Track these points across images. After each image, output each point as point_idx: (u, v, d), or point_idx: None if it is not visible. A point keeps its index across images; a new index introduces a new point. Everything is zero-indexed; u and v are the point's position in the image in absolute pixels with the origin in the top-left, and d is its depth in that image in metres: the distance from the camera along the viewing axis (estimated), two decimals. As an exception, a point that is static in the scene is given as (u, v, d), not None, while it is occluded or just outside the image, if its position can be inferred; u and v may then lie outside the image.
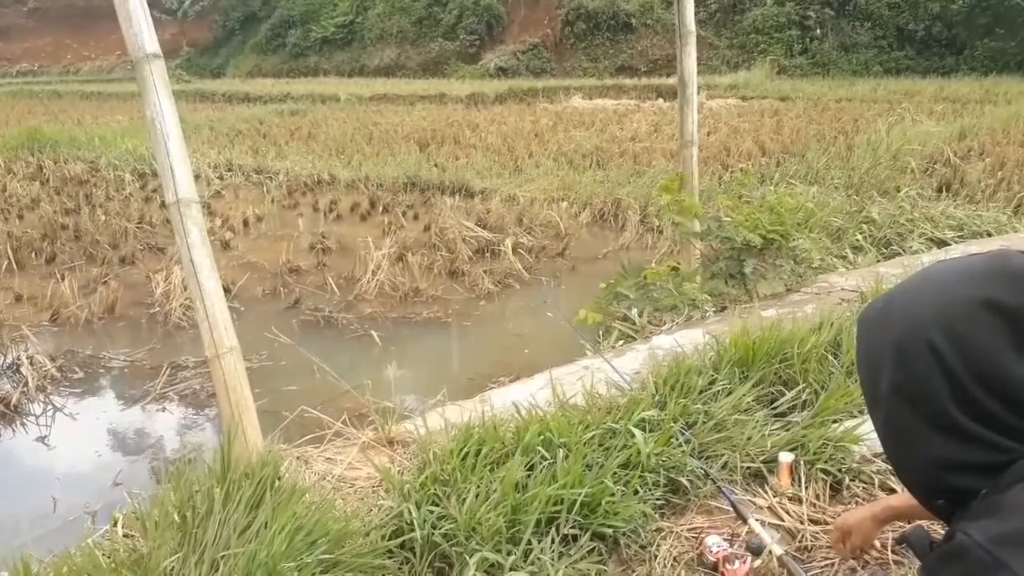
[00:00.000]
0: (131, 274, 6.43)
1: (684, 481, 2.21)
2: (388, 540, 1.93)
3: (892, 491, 2.26)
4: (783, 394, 2.68)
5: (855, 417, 2.56)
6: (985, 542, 0.79)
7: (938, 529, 1.29)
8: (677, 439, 2.31)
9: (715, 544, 1.92)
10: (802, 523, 2.14)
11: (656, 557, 2.00)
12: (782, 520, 2.16)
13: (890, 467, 0.97)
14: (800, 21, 24.37)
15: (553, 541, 1.93)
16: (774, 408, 2.63)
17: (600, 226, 7.88)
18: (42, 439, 3.89)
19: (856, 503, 2.24)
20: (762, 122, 12.99)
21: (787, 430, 2.46)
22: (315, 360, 3.24)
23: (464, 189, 9.18)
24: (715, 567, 1.89)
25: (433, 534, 1.90)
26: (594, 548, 1.97)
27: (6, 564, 1.72)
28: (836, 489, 2.30)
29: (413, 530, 1.92)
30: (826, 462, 2.32)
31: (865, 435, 2.42)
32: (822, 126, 12.07)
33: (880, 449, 2.40)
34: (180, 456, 3.42)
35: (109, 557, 1.79)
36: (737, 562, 1.82)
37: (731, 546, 1.93)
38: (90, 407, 4.29)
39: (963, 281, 0.88)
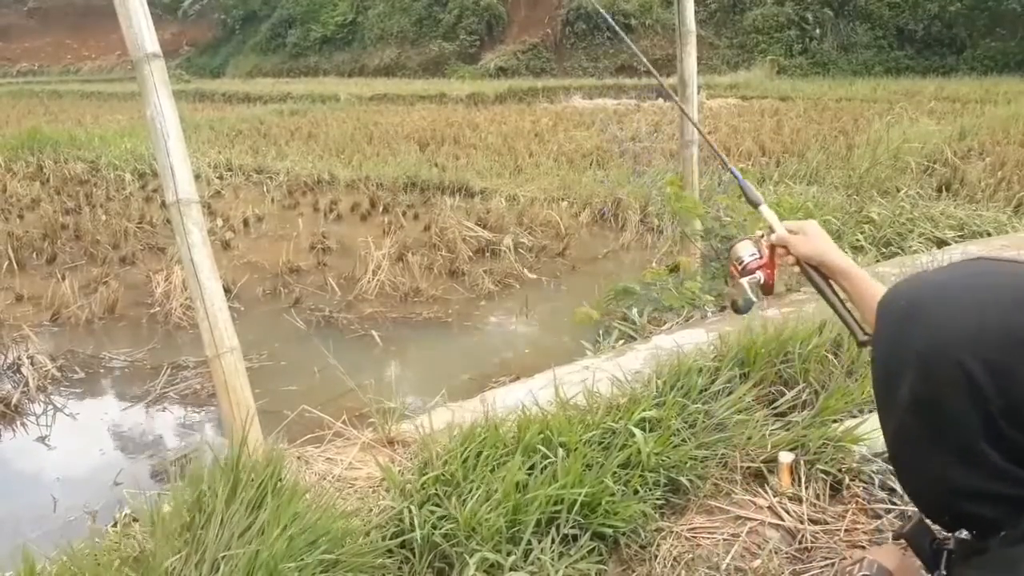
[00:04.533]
0: (131, 274, 6.43)
1: (684, 481, 2.21)
2: (388, 540, 1.93)
3: (892, 491, 2.27)
4: (783, 394, 2.68)
5: (855, 417, 2.57)
6: None
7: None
8: (677, 437, 2.31)
9: (748, 253, 1.68)
10: (802, 523, 2.15)
11: (656, 557, 2.00)
12: (782, 520, 2.17)
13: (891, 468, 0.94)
14: (799, 21, 24.38)
15: (553, 541, 1.93)
16: (774, 408, 2.63)
17: (600, 226, 7.89)
18: (42, 439, 3.89)
19: (856, 503, 2.24)
20: (762, 122, 12.99)
21: (787, 430, 2.46)
22: (326, 353, 3.25)
23: (464, 189, 9.18)
24: (744, 271, 1.68)
25: (433, 534, 1.91)
26: (594, 548, 1.98)
27: (12, 560, 1.72)
28: (836, 489, 2.30)
29: (413, 530, 1.92)
30: (826, 462, 2.32)
31: (865, 435, 2.42)
32: (822, 126, 12.08)
33: (880, 449, 2.42)
34: (185, 456, 3.42)
35: (111, 555, 1.79)
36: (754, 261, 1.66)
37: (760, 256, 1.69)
38: (90, 407, 4.29)
39: (1005, 305, 0.79)
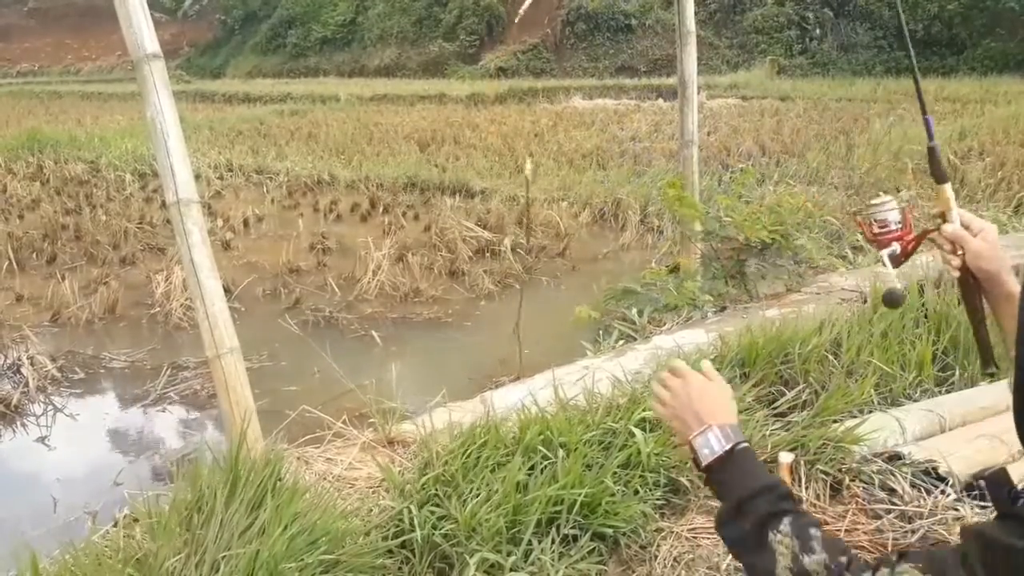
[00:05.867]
0: (132, 274, 6.43)
1: (684, 481, 2.21)
2: (388, 540, 1.93)
3: (892, 491, 2.27)
4: (783, 394, 2.68)
5: (855, 417, 2.56)
6: None
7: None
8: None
9: (895, 220, 1.44)
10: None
11: (656, 557, 2.00)
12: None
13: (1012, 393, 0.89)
14: (799, 22, 24.37)
15: (553, 541, 1.93)
16: (774, 408, 2.63)
17: (600, 226, 7.89)
18: (42, 439, 3.89)
19: (856, 503, 2.24)
20: (762, 122, 12.99)
21: (787, 430, 2.46)
22: (324, 355, 3.25)
23: (464, 189, 9.19)
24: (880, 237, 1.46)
25: (433, 534, 1.91)
26: (594, 548, 1.98)
27: (14, 560, 1.72)
28: (836, 489, 2.30)
29: (413, 530, 1.92)
30: (826, 462, 2.32)
31: (865, 435, 2.42)
32: (822, 126, 12.08)
33: (880, 449, 2.42)
34: (185, 456, 3.42)
35: (112, 556, 1.79)
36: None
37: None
38: (90, 407, 4.29)
39: None
